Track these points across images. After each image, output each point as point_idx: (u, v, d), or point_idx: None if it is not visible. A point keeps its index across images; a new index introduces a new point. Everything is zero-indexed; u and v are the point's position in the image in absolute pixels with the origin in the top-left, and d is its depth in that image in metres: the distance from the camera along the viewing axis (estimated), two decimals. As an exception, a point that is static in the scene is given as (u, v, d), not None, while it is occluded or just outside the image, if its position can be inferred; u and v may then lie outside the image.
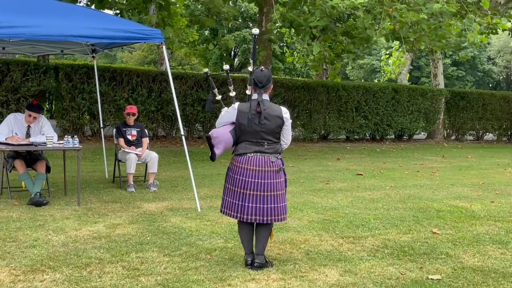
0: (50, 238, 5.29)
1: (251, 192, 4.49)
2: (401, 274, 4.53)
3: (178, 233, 5.63)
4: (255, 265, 4.52)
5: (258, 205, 4.49)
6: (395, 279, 4.39)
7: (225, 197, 4.65)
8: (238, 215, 4.54)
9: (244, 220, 4.53)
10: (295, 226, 6.09)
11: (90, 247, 5.03)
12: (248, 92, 4.70)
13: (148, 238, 5.41)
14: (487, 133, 22.28)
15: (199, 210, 6.79)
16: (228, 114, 4.60)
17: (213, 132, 4.58)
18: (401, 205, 7.59)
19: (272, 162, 4.53)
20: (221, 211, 4.73)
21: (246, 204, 4.50)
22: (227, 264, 4.66)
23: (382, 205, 7.56)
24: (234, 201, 4.56)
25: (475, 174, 11.41)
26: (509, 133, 22.60)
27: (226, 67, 4.91)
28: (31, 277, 4.19)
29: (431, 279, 4.40)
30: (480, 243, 5.57)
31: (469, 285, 4.29)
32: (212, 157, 4.57)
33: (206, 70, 5.20)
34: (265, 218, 4.51)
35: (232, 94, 4.87)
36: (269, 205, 4.50)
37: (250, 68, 4.64)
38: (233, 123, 4.58)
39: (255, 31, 4.67)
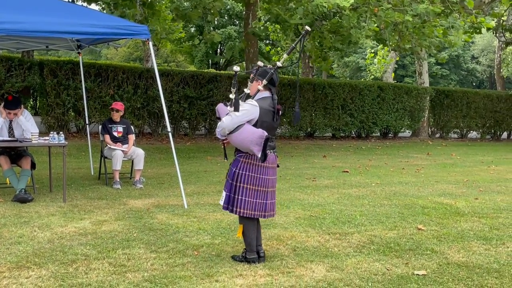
0: (36, 235, 5.25)
1: (272, 189, 4.64)
2: (387, 269, 4.56)
3: (165, 230, 5.62)
4: (262, 255, 4.69)
5: (274, 200, 4.69)
6: (381, 275, 4.42)
7: (247, 198, 4.53)
8: (267, 213, 4.60)
9: (269, 217, 4.65)
10: (282, 223, 6.10)
11: (76, 244, 5.00)
12: (260, 87, 4.53)
13: (135, 235, 5.39)
14: (471, 131, 22.51)
15: (185, 206, 6.78)
16: (249, 112, 4.42)
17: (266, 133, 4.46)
18: (387, 202, 7.65)
19: (277, 157, 4.70)
20: (238, 213, 4.54)
21: (270, 201, 4.61)
22: (214, 260, 4.66)
23: (368, 202, 7.61)
24: (262, 200, 4.57)
25: (459, 172, 11.52)
26: (492, 131, 22.86)
27: (260, 63, 4.73)
28: (17, 274, 4.15)
29: (416, 274, 4.44)
30: (464, 239, 5.63)
31: (454, 280, 4.34)
32: (266, 158, 4.46)
33: (236, 68, 4.65)
34: (275, 212, 4.74)
35: (247, 91, 4.64)
36: (276, 199, 4.73)
37: (279, 63, 4.56)
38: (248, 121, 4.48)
39: (307, 27, 4.63)
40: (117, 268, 4.35)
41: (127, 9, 12.35)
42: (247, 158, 4.54)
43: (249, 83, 4.62)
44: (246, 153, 4.53)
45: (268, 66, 4.68)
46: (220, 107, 4.67)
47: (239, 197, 4.53)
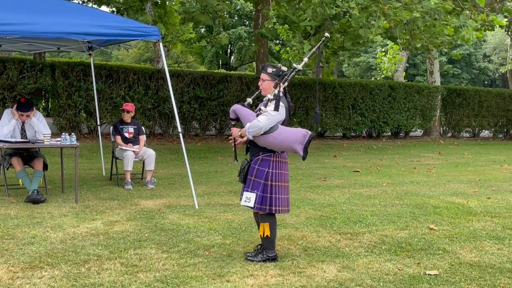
0: (48, 235, 5.29)
1: (289, 184, 4.78)
2: (399, 269, 4.55)
3: (176, 230, 5.64)
4: None
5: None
6: (393, 275, 4.41)
7: (282, 196, 4.60)
8: (289, 207, 4.74)
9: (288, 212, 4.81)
10: (293, 223, 6.10)
11: (88, 244, 5.03)
12: (281, 89, 4.53)
13: (146, 235, 5.41)
14: (483, 130, 22.34)
15: (196, 207, 6.80)
16: (280, 113, 4.48)
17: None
18: (398, 201, 7.62)
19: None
20: (276, 211, 4.58)
21: (289, 195, 4.76)
22: (225, 260, 4.67)
23: (379, 201, 7.59)
24: (288, 195, 4.70)
25: (472, 171, 11.45)
26: (505, 130, 22.69)
27: (290, 67, 4.73)
28: (30, 274, 4.19)
29: (428, 274, 4.42)
30: (477, 239, 5.59)
31: (466, 280, 4.31)
32: (306, 156, 4.56)
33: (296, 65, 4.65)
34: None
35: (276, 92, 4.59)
36: None
37: (299, 66, 4.57)
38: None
39: (327, 34, 4.70)
40: (129, 268, 4.38)
41: (139, 15, 12.41)
42: (276, 157, 4.58)
43: (281, 84, 4.54)
44: (274, 152, 4.56)
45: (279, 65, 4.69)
46: (239, 108, 4.64)
47: (276, 195, 4.57)
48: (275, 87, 4.49)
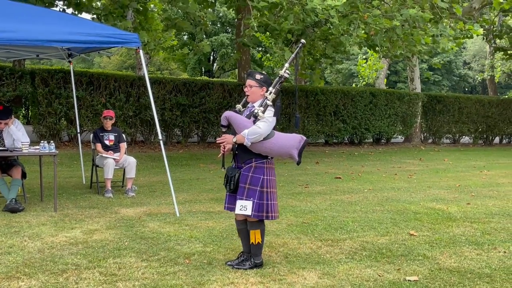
0: (26, 245, 5.21)
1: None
2: (379, 275, 4.56)
3: (156, 238, 5.59)
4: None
5: None
6: (373, 281, 4.41)
7: (274, 202, 4.62)
8: (278, 213, 4.75)
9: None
10: (274, 230, 6.09)
11: (66, 253, 4.96)
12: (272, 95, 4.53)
13: (126, 244, 5.36)
14: (463, 136, 22.60)
15: (177, 214, 6.76)
16: (274, 119, 4.53)
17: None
18: (379, 207, 7.65)
19: None
20: (272, 217, 4.58)
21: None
22: (205, 268, 4.64)
23: (360, 208, 7.61)
24: (277, 201, 4.71)
25: (452, 177, 11.55)
26: (484, 136, 22.96)
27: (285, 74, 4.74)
28: (6, 285, 4.12)
29: (408, 280, 4.44)
30: (456, 245, 5.63)
31: (445, 286, 4.33)
32: (300, 162, 4.60)
33: (286, 75, 4.64)
34: None
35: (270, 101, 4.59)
36: None
37: (284, 73, 4.58)
38: None
39: (303, 40, 4.75)
40: (108, 277, 4.33)
41: (118, 21, 12.35)
42: (268, 163, 4.61)
43: (271, 89, 4.55)
44: (267, 158, 4.57)
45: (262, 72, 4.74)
46: (233, 115, 4.55)
47: (270, 202, 4.58)
48: (276, 94, 4.53)
